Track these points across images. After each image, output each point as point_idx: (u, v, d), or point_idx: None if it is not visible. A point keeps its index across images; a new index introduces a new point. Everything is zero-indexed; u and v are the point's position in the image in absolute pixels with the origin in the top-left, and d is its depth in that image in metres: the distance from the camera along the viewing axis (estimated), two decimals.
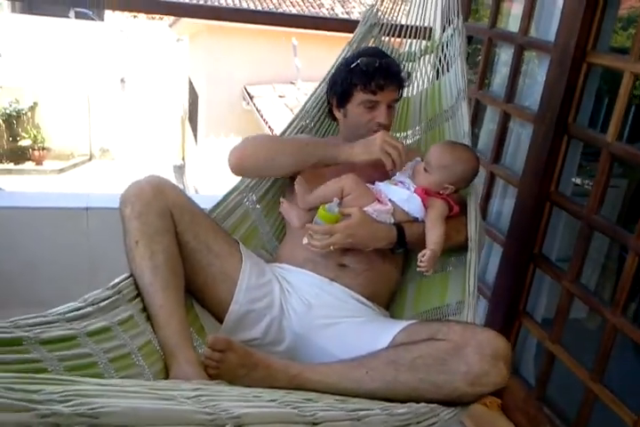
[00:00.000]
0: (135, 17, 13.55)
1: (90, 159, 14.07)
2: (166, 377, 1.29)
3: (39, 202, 2.47)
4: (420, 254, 1.47)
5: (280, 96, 8.33)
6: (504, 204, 2.30)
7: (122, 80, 14.89)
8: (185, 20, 9.72)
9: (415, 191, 1.56)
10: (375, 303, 1.59)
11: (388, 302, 1.69)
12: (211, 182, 9.32)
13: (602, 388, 1.72)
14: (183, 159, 13.99)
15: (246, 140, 1.70)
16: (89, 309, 1.24)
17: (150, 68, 13.94)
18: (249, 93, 8.72)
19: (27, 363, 1.03)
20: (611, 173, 1.75)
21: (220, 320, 1.52)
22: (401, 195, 1.57)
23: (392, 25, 1.97)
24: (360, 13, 10.29)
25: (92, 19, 16.12)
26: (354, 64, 1.65)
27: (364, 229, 1.50)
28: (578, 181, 2.13)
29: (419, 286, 1.72)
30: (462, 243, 1.54)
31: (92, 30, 14.53)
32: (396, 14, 1.99)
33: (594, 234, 1.83)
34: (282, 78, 8.92)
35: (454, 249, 1.61)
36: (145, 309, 1.37)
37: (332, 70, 1.83)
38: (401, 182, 1.60)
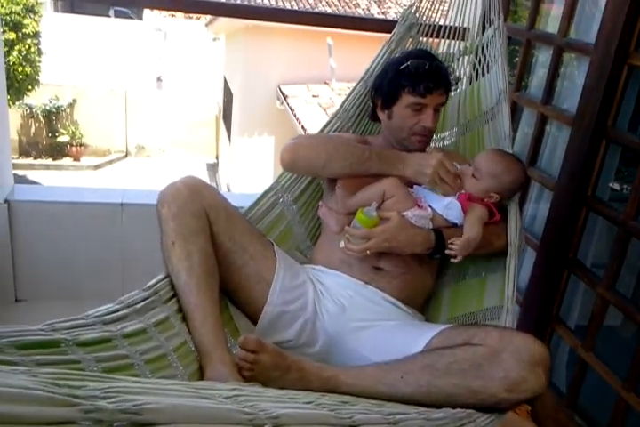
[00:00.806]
0: (173, 16, 13.69)
1: (125, 156, 14.27)
2: (201, 379, 1.29)
3: (75, 197, 2.51)
4: (450, 240, 1.47)
5: (314, 96, 8.33)
6: (539, 208, 2.27)
7: (158, 78, 15.09)
8: (222, 20, 9.79)
9: (458, 197, 1.55)
10: (410, 307, 1.58)
11: (423, 306, 1.68)
12: (243, 181, 9.39)
13: (635, 397, 1.68)
14: (217, 158, 14.11)
15: (301, 137, 1.70)
16: (125, 311, 1.26)
17: (187, 67, 14.09)
18: (283, 93, 8.74)
19: (66, 364, 1.04)
20: None
21: (254, 322, 1.52)
22: (441, 201, 1.56)
23: (430, 25, 1.95)
24: (396, 13, 10.28)
25: (131, 17, 16.39)
26: (403, 66, 1.62)
27: (402, 234, 1.49)
28: (616, 186, 2.08)
29: (454, 290, 1.71)
30: (502, 248, 1.53)
31: (131, 29, 14.76)
32: (434, 14, 1.97)
33: (631, 240, 1.79)
34: (316, 78, 8.91)
35: (493, 254, 1.60)
36: (180, 310, 1.38)
37: (373, 70, 1.83)
38: (444, 198, 1.58)
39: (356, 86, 1.87)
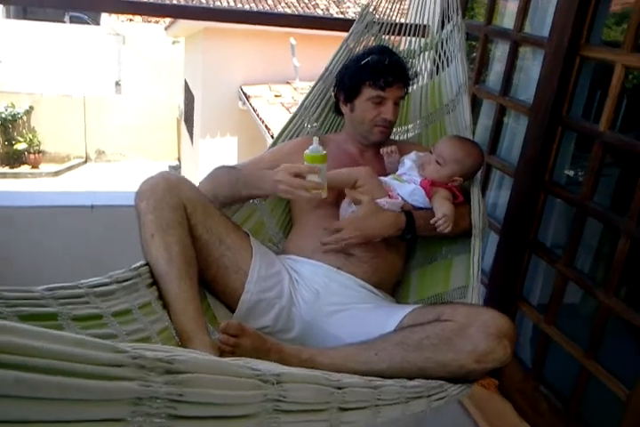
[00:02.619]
0: (131, 20, 13.58)
1: (85, 162, 14.11)
2: None
3: (45, 201, 2.49)
4: (432, 220, 1.54)
5: (276, 96, 8.40)
6: (500, 194, 2.39)
7: (117, 83, 14.94)
8: (181, 23, 9.78)
9: (421, 184, 1.62)
10: (381, 290, 1.66)
11: (393, 289, 1.76)
12: None
13: (596, 365, 1.80)
14: (178, 160, 14.06)
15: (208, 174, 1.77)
16: (114, 286, 1.31)
17: (146, 71, 13.99)
18: (245, 93, 8.78)
19: None
20: (603, 161, 1.84)
21: (232, 310, 1.58)
22: (406, 188, 1.64)
23: (392, 24, 2.05)
24: (355, 13, 10.41)
25: (88, 22, 16.16)
26: (364, 61, 1.73)
27: (372, 219, 1.57)
28: (571, 170, 2.22)
29: (422, 273, 1.80)
30: (467, 229, 1.62)
31: (88, 34, 14.58)
32: (394, 13, 2.07)
33: (587, 220, 1.92)
34: (277, 78, 8.99)
35: (458, 236, 1.69)
36: (161, 297, 1.41)
37: (332, 68, 1.91)
38: (406, 175, 1.67)
39: (315, 84, 1.94)
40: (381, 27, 2.04)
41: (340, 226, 1.58)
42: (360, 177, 1.61)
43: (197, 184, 1.68)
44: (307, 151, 1.55)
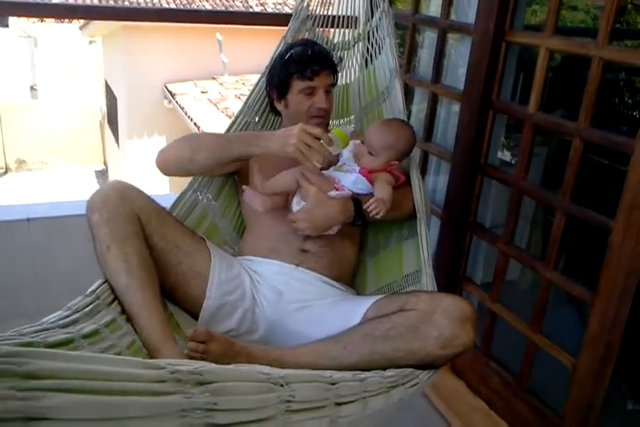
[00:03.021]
0: (42, 21, 13.11)
1: (5, 172, 13.56)
2: None
3: None
4: (364, 206, 1.55)
5: (203, 92, 8.32)
6: (438, 179, 2.45)
7: (32, 88, 14.42)
8: (97, 22, 9.52)
9: (360, 173, 1.63)
10: (341, 283, 1.67)
11: (352, 280, 1.78)
12: (138, 183, 9.16)
13: (541, 337, 1.88)
14: (105, 164, 13.70)
15: (175, 140, 1.74)
16: (76, 315, 1.27)
17: (63, 74, 13.55)
18: (170, 91, 8.65)
19: None
20: (534, 141, 1.92)
21: (195, 316, 1.56)
22: (348, 177, 1.64)
23: (324, 16, 2.07)
24: (275, 4, 10.40)
25: None
26: (287, 55, 1.75)
27: (321, 209, 1.58)
28: (504, 152, 2.31)
29: (376, 262, 1.82)
30: (411, 211, 1.65)
31: None
32: (326, 6, 2.09)
33: (523, 199, 2.00)
34: (203, 74, 8.90)
35: (405, 220, 1.73)
36: (124, 311, 1.38)
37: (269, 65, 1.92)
38: (346, 165, 1.67)
39: (258, 82, 1.93)
40: (314, 21, 2.05)
41: (292, 219, 1.59)
42: (299, 177, 1.62)
43: (163, 151, 1.69)
44: (338, 127, 1.54)
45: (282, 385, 0.85)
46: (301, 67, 1.71)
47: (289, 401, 0.86)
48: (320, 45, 1.84)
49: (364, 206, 1.56)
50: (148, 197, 1.56)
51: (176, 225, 1.60)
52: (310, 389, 0.96)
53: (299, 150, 1.47)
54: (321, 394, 0.98)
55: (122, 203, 1.44)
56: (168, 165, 1.70)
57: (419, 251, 1.59)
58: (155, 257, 1.48)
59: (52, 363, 0.55)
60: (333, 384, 1.02)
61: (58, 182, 12.12)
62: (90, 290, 1.37)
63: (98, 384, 0.56)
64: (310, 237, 1.64)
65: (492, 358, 2.14)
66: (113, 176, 12.26)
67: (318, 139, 1.48)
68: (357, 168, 1.64)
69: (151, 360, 0.68)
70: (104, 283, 1.40)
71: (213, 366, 0.75)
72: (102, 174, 13.36)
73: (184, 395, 0.66)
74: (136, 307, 1.36)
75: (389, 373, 1.24)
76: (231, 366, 0.85)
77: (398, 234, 1.81)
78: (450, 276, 2.30)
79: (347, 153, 1.69)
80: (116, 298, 1.39)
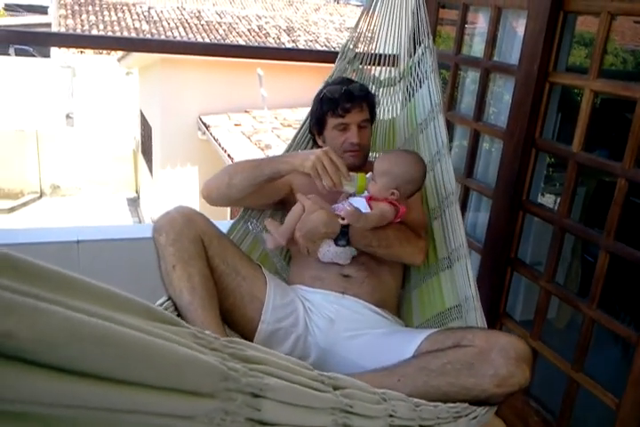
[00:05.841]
0: (82, 52, 13.50)
1: (40, 197, 13.82)
2: None
3: (29, 238, 2.44)
4: (342, 212, 1.59)
5: (236, 125, 8.45)
6: (479, 215, 2.47)
7: (67, 116, 14.77)
8: (135, 54, 9.79)
9: (364, 197, 1.66)
10: (386, 311, 1.69)
11: (398, 309, 1.80)
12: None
13: (584, 376, 1.87)
14: (137, 192, 13.91)
15: (220, 170, 1.81)
16: None
17: (99, 103, 13.89)
18: (204, 123, 8.81)
19: None
20: (578, 179, 1.94)
21: (248, 340, 1.57)
22: (352, 198, 1.68)
23: (369, 54, 2.11)
24: (306, 41, 10.60)
25: (33, 55, 15.99)
26: (322, 94, 1.83)
27: (309, 216, 1.62)
28: (546, 189, 2.33)
29: (420, 293, 1.84)
30: (411, 252, 1.70)
31: (37, 67, 14.45)
32: (371, 46, 2.14)
33: (565, 236, 2.01)
34: (236, 107, 9.06)
35: (441, 255, 1.76)
36: None
37: None
38: (353, 197, 1.69)
39: (305, 120, 1.98)
40: (361, 60, 2.10)
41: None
42: (306, 205, 1.65)
43: (206, 182, 1.75)
44: (362, 173, 1.62)
45: (385, 400, 0.97)
46: (333, 104, 1.78)
47: (391, 416, 0.97)
48: (356, 83, 1.89)
49: (342, 213, 1.59)
50: (210, 222, 1.63)
51: (235, 250, 1.66)
52: (406, 408, 1.04)
53: (314, 167, 1.56)
54: (410, 414, 1.06)
55: (187, 225, 1.52)
56: (211, 194, 1.76)
57: (457, 284, 1.61)
58: (215, 279, 1.55)
59: (258, 353, 0.66)
60: (385, 400, 1.03)
61: (90, 208, 12.31)
62: (157, 303, 1.43)
63: (290, 376, 0.68)
64: (348, 264, 1.67)
65: (531, 396, 2.13)
66: (145, 204, 12.44)
67: (337, 168, 1.57)
68: (363, 198, 1.67)
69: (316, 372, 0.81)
70: (167, 300, 1.46)
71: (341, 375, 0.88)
72: (134, 202, 13.55)
73: (332, 394, 0.77)
74: (198, 324, 1.41)
75: (451, 405, 1.24)
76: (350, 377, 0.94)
77: (435, 266, 1.82)
78: (490, 311, 2.29)
79: (360, 199, 1.70)
80: (179, 315, 1.45)
